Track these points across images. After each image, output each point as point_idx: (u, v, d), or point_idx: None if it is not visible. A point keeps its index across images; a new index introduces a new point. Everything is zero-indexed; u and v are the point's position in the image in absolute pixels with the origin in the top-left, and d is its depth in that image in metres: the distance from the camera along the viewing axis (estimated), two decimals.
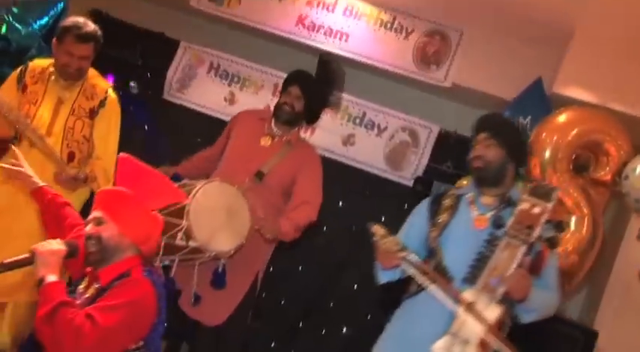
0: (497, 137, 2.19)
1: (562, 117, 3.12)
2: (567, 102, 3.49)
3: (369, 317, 4.21)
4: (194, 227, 2.63)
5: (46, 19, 3.96)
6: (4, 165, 2.42)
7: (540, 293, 2.03)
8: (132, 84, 4.51)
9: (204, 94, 4.53)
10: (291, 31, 4.42)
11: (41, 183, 2.36)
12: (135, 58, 4.58)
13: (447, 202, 2.24)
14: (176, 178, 2.96)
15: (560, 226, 1.94)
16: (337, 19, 4.40)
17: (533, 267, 1.91)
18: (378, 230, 2.03)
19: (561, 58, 3.76)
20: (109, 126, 2.94)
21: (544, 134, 3.06)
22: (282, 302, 4.04)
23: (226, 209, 2.76)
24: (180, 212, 2.63)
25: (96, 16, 4.62)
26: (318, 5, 4.43)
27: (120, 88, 4.56)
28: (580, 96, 3.63)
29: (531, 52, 3.98)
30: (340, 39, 4.38)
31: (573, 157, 3.15)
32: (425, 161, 4.24)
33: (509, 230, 1.89)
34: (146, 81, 4.59)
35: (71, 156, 2.87)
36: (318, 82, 3.05)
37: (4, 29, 3.91)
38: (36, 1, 4.09)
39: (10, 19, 3.92)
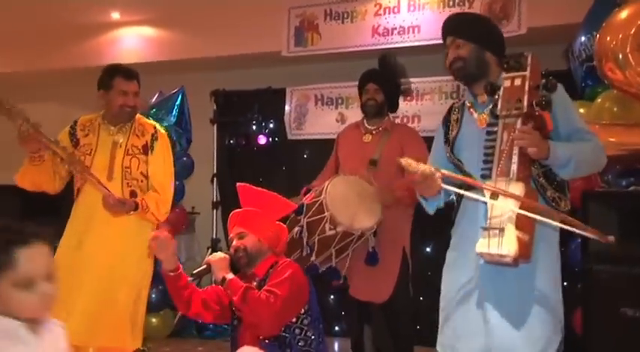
0: (461, 35, 2.26)
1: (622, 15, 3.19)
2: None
3: None
4: (335, 214, 3.09)
5: (174, 110, 4.68)
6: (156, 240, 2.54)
7: (568, 145, 1.99)
8: (260, 136, 5.34)
9: (319, 123, 5.20)
10: (370, 42, 4.97)
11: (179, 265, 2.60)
12: (255, 115, 5.41)
13: (453, 116, 2.33)
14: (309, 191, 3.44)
15: (547, 85, 1.85)
16: (405, 17, 4.88)
17: (540, 132, 1.86)
18: (407, 161, 1.94)
19: None
20: (163, 161, 3.02)
21: (608, 37, 3.17)
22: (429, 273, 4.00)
23: (356, 193, 3.23)
24: (319, 208, 3.16)
25: (217, 94, 5.58)
26: (384, 12, 4.95)
27: (253, 143, 5.43)
28: None
29: None
30: (413, 32, 4.83)
31: None
32: None
33: (501, 111, 1.88)
34: (270, 130, 5.39)
35: (133, 195, 2.90)
36: (385, 74, 3.53)
37: None
38: (163, 99, 4.92)
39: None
